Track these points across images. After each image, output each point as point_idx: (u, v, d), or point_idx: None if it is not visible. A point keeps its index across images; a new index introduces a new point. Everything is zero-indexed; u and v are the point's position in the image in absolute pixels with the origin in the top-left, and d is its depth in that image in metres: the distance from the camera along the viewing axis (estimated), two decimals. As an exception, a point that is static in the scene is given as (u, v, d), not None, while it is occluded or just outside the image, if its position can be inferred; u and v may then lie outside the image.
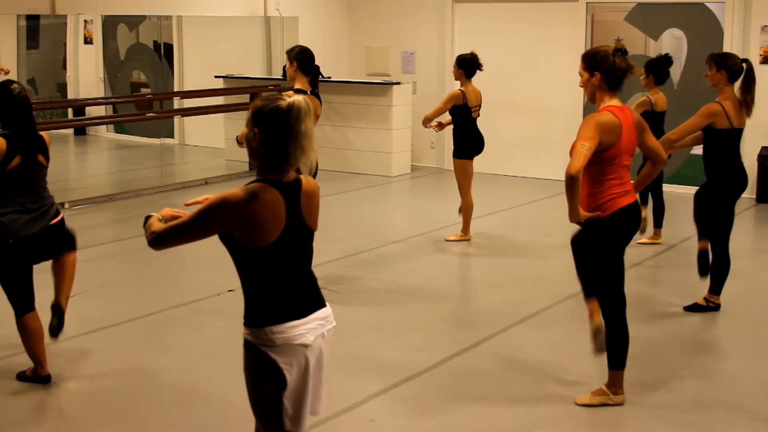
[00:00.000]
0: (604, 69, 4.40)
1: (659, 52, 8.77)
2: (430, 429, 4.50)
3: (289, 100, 2.89)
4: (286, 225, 2.91)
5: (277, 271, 2.93)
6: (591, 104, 4.66)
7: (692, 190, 6.52)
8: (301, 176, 3.01)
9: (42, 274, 4.93)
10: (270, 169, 2.92)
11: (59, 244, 4.91)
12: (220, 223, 2.85)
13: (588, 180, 4.40)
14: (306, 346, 2.95)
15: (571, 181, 4.25)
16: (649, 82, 7.71)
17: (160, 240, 2.94)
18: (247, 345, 2.98)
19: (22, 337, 4.86)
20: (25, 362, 5.01)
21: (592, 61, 4.44)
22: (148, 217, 3.03)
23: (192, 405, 4.72)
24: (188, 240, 2.94)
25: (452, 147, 8.16)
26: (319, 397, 3.08)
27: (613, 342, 4.60)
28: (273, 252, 2.89)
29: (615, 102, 4.45)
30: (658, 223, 8.06)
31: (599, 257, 4.53)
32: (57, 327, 4.91)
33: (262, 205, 2.84)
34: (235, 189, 2.86)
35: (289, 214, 2.91)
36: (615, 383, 4.66)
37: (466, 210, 8.19)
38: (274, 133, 2.88)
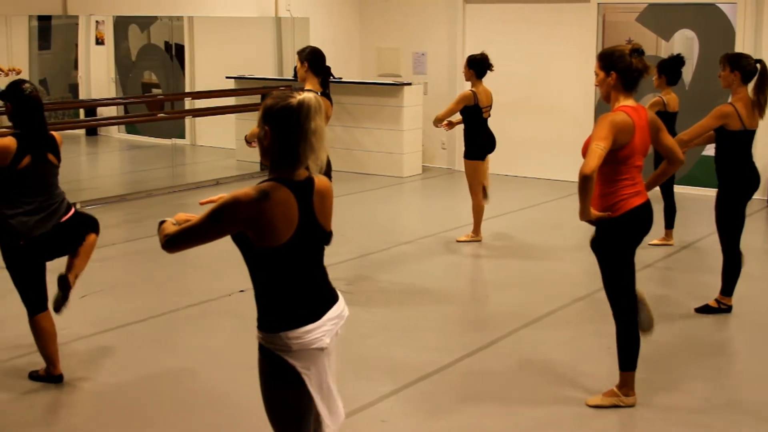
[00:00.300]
0: (620, 69, 4.38)
1: (671, 52, 8.73)
2: (441, 430, 4.49)
3: (299, 97, 2.86)
4: (299, 225, 2.88)
5: (290, 272, 2.91)
6: (603, 106, 4.64)
7: (703, 191, 6.49)
8: (314, 176, 2.98)
9: (54, 274, 4.94)
10: (281, 167, 2.90)
11: (73, 241, 4.89)
12: (232, 223, 2.83)
13: (601, 180, 4.39)
14: (322, 349, 2.94)
15: (585, 180, 4.23)
16: (662, 83, 7.69)
17: (173, 242, 2.91)
18: (263, 350, 2.93)
19: (35, 336, 4.88)
20: (37, 362, 5.03)
21: (609, 60, 4.42)
22: (162, 222, 3.01)
23: (200, 405, 4.72)
24: (201, 241, 2.90)
25: (463, 148, 8.17)
26: None
27: (624, 343, 4.58)
28: (285, 252, 2.86)
29: (630, 102, 4.43)
30: (669, 224, 8.02)
31: (610, 257, 4.51)
32: (61, 301, 4.85)
33: (274, 204, 2.82)
34: (246, 188, 2.84)
35: (301, 213, 2.89)
36: (626, 384, 4.64)
37: (477, 211, 8.18)
38: (285, 131, 2.86)
